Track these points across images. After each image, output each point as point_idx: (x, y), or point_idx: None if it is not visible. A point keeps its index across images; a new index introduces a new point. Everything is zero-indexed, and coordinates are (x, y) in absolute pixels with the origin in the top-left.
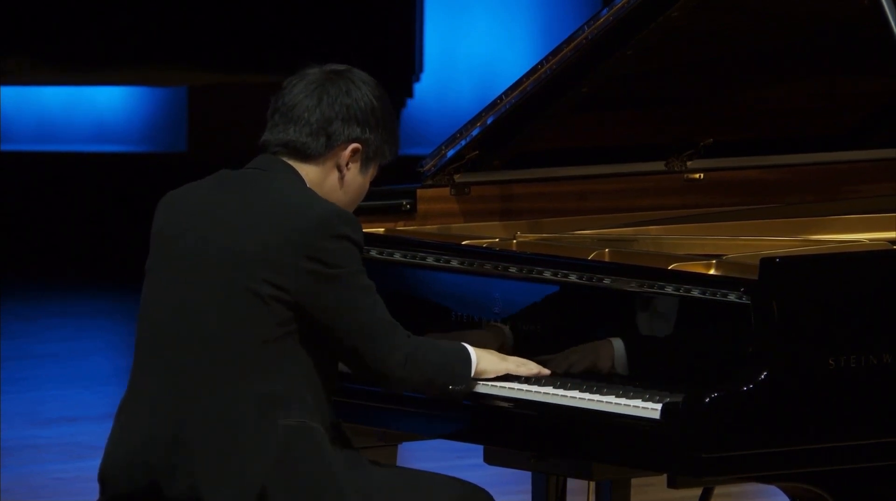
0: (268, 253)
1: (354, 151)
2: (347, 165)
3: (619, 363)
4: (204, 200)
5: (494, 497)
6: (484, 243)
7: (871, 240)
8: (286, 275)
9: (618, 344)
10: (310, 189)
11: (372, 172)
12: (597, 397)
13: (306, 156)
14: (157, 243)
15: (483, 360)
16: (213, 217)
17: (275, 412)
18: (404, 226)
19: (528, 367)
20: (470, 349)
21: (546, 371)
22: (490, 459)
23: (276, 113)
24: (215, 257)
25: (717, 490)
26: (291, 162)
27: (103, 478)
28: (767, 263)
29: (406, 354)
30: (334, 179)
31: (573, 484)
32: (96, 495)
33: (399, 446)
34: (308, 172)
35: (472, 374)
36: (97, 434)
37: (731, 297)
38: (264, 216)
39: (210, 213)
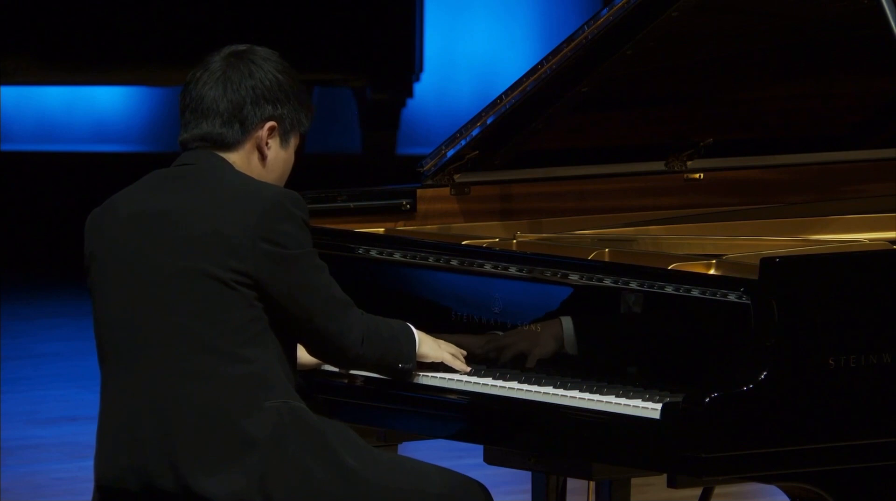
0: (224, 240)
1: (271, 130)
2: (267, 144)
3: (568, 343)
4: (139, 203)
5: (494, 497)
6: (484, 243)
7: (871, 240)
8: (245, 259)
9: (567, 323)
10: (248, 176)
11: (294, 143)
12: (597, 397)
13: (226, 145)
14: (98, 259)
15: (424, 343)
16: (157, 216)
17: (258, 394)
18: (404, 226)
19: (460, 361)
20: (413, 329)
21: (467, 369)
22: (490, 459)
23: (187, 110)
24: (172, 252)
25: (717, 490)
26: (215, 151)
27: (99, 486)
28: (767, 263)
29: (362, 332)
30: (257, 161)
31: (573, 484)
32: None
33: (399, 446)
34: (233, 159)
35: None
36: None
37: (731, 297)
38: (212, 205)
39: (151, 213)
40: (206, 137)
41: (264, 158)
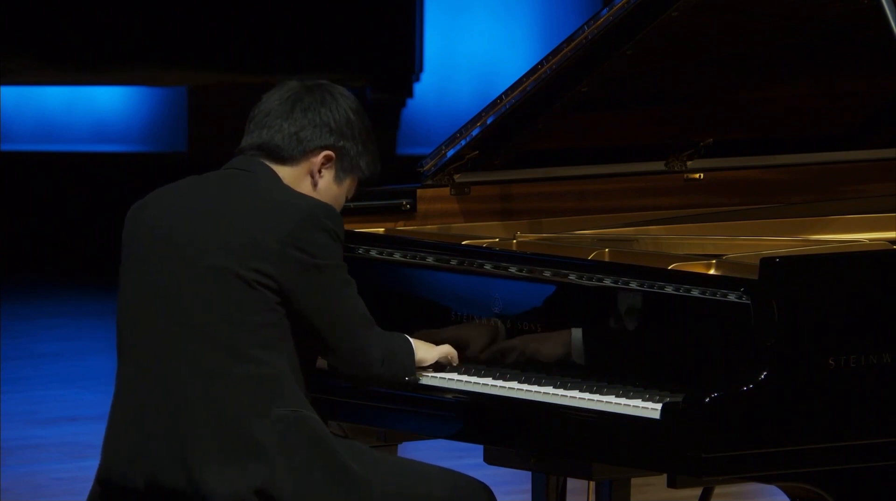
0: (255, 243)
1: (327, 159)
2: (320, 171)
3: (575, 352)
4: (177, 200)
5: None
6: (484, 243)
7: (871, 240)
8: (274, 264)
9: (576, 333)
10: (288, 186)
11: (348, 184)
12: (597, 397)
13: (280, 158)
14: (134, 248)
15: (419, 349)
16: (195, 212)
17: (268, 398)
18: (404, 226)
19: (454, 354)
20: (410, 340)
21: (454, 352)
22: (490, 459)
23: (252, 121)
24: (200, 249)
25: (717, 490)
26: (268, 163)
27: (102, 479)
28: (767, 263)
29: (384, 352)
30: (308, 185)
31: (573, 484)
32: None
33: (399, 446)
34: (283, 174)
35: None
36: (97, 434)
37: (731, 297)
38: (250, 210)
39: (190, 209)
40: (263, 146)
41: (315, 184)
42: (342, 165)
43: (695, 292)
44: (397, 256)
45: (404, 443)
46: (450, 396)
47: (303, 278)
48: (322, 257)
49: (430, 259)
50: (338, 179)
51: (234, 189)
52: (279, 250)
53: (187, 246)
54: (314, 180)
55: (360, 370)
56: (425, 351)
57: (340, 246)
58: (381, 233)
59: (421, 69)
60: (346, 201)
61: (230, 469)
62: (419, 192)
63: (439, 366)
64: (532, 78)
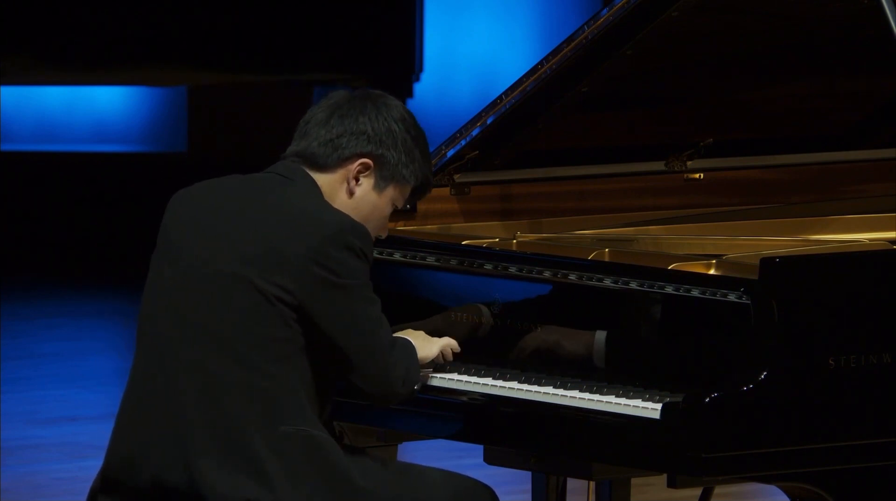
0: (278, 256)
1: (364, 166)
2: (357, 179)
3: (597, 355)
4: (216, 199)
5: None
6: (484, 243)
7: (871, 240)
8: (294, 278)
9: (599, 335)
10: (325, 200)
11: (391, 193)
12: (597, 397)
13: (318, 165)
14: (163, 239)
15: (420, 350)
16: (225, 217)
17: (273, 412)
18: (404, 226)
19: (452, 344)
20: (412, 342)
21: (454, 342)
22: (490, 459)
23: (298, 129)
24: (224, 256)
25: (717, 490)
26: (307, 170)
27: (106, 475)
28: (767, 263)
29: (404, 372)
30: (344, 193)
31: (573, 484)
32: None
33: (399, 446)
34: (321, 181)
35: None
36: (97, 434)
37: (731, 297)
38: (278, 220)
39: (221, 212)
40: (301, 153)
41: (352, 192)
42: (382, 173)
43: (695, 292)
44: (397, 256)
45: (404, 443)
46: (450, 396)
47: (323, 296)
48: (344, 275)
49: (430, 259)
50: (377, 187)
51: (266, 195)
52: (301, 265)
53: (203, 248)
54: (350, 187)
55: (383, 389)
56: (426, 350)
57: (366, 265)
58: None
59: (421, 69)
60: (396, 209)
61: (229, 475)
62: None
63: (438, 365)
64: (532, 78)
